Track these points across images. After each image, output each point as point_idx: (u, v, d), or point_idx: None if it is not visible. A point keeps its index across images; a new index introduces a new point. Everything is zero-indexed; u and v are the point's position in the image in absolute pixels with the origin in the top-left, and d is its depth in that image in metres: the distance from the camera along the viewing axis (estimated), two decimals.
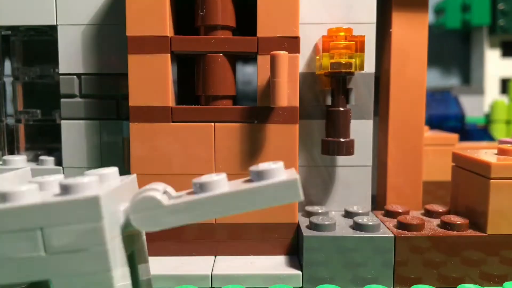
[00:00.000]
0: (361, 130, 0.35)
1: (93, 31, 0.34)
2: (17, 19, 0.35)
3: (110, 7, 0.34)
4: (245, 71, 0.48)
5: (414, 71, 0.36)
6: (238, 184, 0.21)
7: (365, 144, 0.35)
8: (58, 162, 0.36)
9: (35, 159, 0.38)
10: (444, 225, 0.31)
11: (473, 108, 0.80)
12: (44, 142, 0.39)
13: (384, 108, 0.37)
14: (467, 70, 0.91)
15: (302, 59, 0.34)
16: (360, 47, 0.31)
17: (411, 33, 0.36)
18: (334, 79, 0.33)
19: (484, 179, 0.30)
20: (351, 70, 0.31)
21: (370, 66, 0.35)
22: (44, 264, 0.19)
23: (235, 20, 0.32)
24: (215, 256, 0.33)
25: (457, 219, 0.31)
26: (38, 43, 0.38)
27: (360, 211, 0.33)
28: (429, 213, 0.34)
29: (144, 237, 0.25)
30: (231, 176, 0.32)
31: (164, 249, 0.33)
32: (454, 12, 0.83)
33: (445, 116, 0.75)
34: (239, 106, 0.32)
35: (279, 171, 0.21)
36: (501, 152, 0.32)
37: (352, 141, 0.33)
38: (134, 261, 0.24)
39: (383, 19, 0.37)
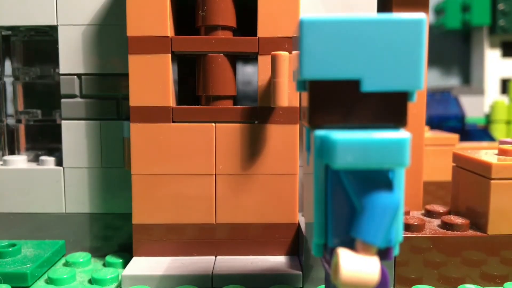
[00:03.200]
0: None
1: (93, 31, 0.34)
2: (18, 19, 0.35)
3: (110, 7, 0.34)
4: (246, 71, 0.48)
5: None
6: None
7: None
8: (59, 162, 0.36)
9: (35, 159, 0.38)
10: (445, 225, 0.31)
11: (473, 108, 0.80)
12: (44, 142, 0.39)
13: None
14: (467, 70, 0.91)
15: None
16: None
17: None
18: None
19: (485, 179, 0.30)
20: None
21: None
22: None
23: (236, 20, 0.32)
24: (216, 256, 0.33)
25: (458, 220, 0.31)
26: (39, 43, 0.38)
27: None
28: (429, 214, 0.34)
29: None
30: (231, 176, 0.32)
31: (164, 249, 0.33)
32: (454, 12, 0.83)
33: (445, 117, 0.75)
34: (239, 106, 0.32)
35: None
36: (502, 152, 0.32)
37: None
38: None
39: None
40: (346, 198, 0.20)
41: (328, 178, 0.20)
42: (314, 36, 0.19)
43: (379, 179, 0.19)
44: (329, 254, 0.20)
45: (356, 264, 0.18)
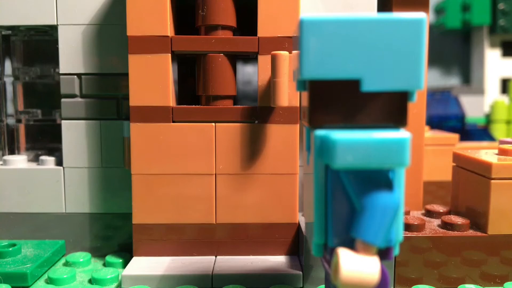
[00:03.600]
0: None
1: (93, 31, 0.34)
2: (18, 19, 0.35)
3: (110, 7, 0.34)
4: (246, 71, 0.48)
5: None
6: None
7: None
8: (59, 162, 0.36)
9: (35, 159, 0.38)
10: (445, 225, 0.31)
11: (473, 108, 0.80)
12: (44, 142, 0.39)
13: None
14: (467, 70, 0.91)
15: None
16: None
17: None
18: None
19: (485, 179, 0.30)
20: None
21: None
22: None
23: (236, 20, 0.32)
24: (216, 256, 0.33)
25: (458, 219, 0.31)
26: (39, 43, 0.38)
27: None
28: (429, 213, 0.34)
29: None
30: (231, 176, 0.32)
31: (164, 249, 0.33)
32: (454, 12, 0.83)
33: (445, 116, 0.75)
34: (239, 106, 0.32)
35: None
36: (502, 152, 0.32)
37: None
38: None
39: None
40: (346, 198, 0.20)
41: (328, 178, 0.20)
42: (314, 36, 0.19)
43: (379, 179, 0.19)
44: (329, 254, 0.20)
45: (356, 264, 0.18)
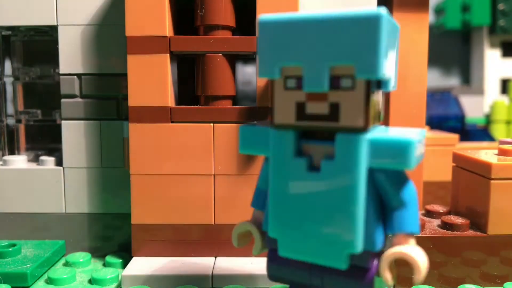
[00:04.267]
0: None
1: (93, 31, 0.34)
2: (18, 19, 0.35)
3: (110, 7, 0.34)
4: (245, 71, 0.48)
5: (414, 71, 0.36)
6: None
7: None
8: (59, 162, 0.36)
9: (35, 159, 0.38)
10: (445, 225, 0.31)
11: (473, 108, 0.80)
12: (44, 142, 0.39)
13: (384, 108, 0.37)
14: (467, 70, 0.91)
15: None
16: None
17: (411, 33, 0.36)
18: None
19: (485, 179, 0.30)
20: None
21: None
22: None
23: (235, 20, 0.32)
24: (215, 257, 0.33)
25: (458, 220, 0.31)
26: (39, 43, 0.38)
27: None
28: (429, 214, 0.34)
29: None
30: (230, 177, 0.32)
31: (164, 249, 0.33)
32: (454, 12, 0.83)
33: (445, 117, 0.75)
34: (238, 106, 0.32)
35: None
36: (502, 152, 0.32)
37: None
38: None
39: None
40: (378, 201, 0.20)
41: (370, 184, 0.19)
42: (270, 35, 0.19)
43: (406, 174, 0.20)
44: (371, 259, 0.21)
45: (422, 254, 0.20)
